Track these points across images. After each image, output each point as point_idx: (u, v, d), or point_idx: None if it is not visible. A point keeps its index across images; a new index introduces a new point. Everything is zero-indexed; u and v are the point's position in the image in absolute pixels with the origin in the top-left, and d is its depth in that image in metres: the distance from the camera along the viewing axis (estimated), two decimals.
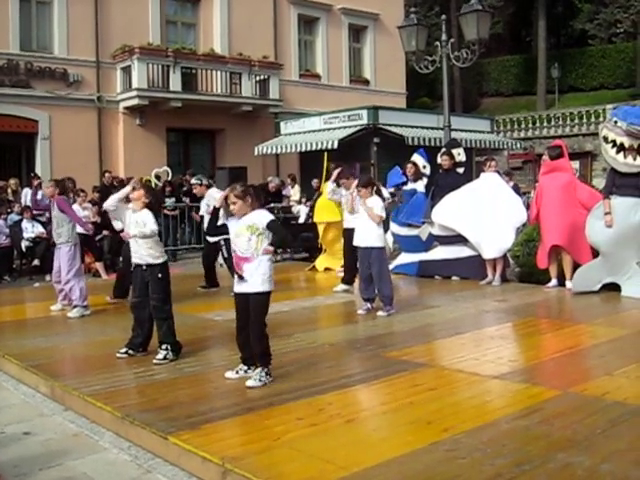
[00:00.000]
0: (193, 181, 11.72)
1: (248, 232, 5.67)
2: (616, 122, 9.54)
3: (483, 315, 8.82)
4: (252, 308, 5.71)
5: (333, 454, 4.20)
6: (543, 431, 4.48)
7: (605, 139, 9.69)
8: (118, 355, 6.77)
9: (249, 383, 5.63)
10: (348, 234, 10.00)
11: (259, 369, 5.72)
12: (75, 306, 9.18)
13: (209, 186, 11.26)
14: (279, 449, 4.33)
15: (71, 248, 9.26)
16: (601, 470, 3.86)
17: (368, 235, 8.57)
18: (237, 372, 5.88)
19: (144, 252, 6.78)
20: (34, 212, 14.72)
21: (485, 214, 10.91)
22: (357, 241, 8.78)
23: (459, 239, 11.41)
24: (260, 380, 5.63)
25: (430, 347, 7.19)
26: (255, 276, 5.65)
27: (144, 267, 6.80)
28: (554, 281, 10.54)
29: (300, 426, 4.71)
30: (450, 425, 4.61)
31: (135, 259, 6.87)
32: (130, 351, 6.82)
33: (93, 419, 5.39)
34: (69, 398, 5.81)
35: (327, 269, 13.49)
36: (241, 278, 5.69)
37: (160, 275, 6.76)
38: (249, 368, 5.87)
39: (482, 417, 4.78)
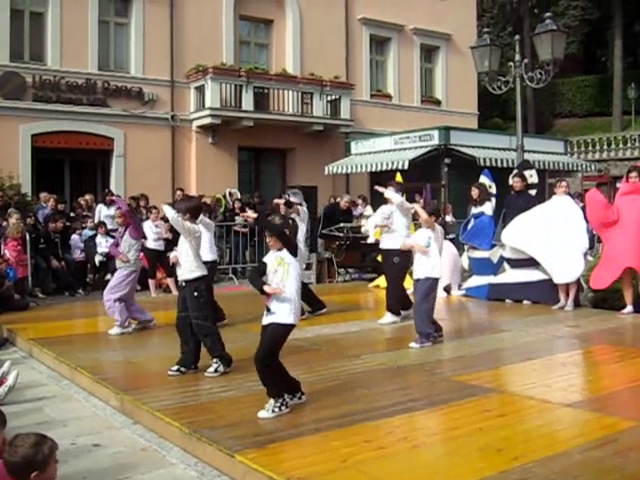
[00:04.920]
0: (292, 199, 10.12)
1: (276, 263, 5.51)
2: None
3: (555, 341, 8.61)
4: (267, 335, 5.49)
5: (400, 478, 4.15)
6: (618, 463, 4.34)
7: None
8: (170, 373, 6.82)
9: (260, 414, 5.41)
10: (385, 255, 9.95)
11: (272, 400, 5.48)
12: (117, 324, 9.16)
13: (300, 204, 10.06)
14: (345, 471, 4.30)
15: (130, 274, 9.20)
16: None
17: (415, 266, 8.35)
18: (267, 411, 5.47)
19: (183, 267, 6.88)
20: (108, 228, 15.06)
21: (556, 237, 10.69)
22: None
23: (531, 262, 11.20)
24: (273, 411, 5.40)
25: (500, 372, 7.07)
26: (282, 308, 5.44)
27: (183, 283, 6.91)
28: (629, 307, 10.24)
29: (367, 449, 4.67)
30: (520, 453, 4.52)
31: (179, 276, 7.02)
32: (182, 369, 6.88)
33: (161, 434, 5.46)
34: (138, 412, 5.89)
35: (378, 286, 13.51)
36: (268, 310, 5.51)
37: (196, 293, 6.80)
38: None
39: (553, 446, 4.66)
